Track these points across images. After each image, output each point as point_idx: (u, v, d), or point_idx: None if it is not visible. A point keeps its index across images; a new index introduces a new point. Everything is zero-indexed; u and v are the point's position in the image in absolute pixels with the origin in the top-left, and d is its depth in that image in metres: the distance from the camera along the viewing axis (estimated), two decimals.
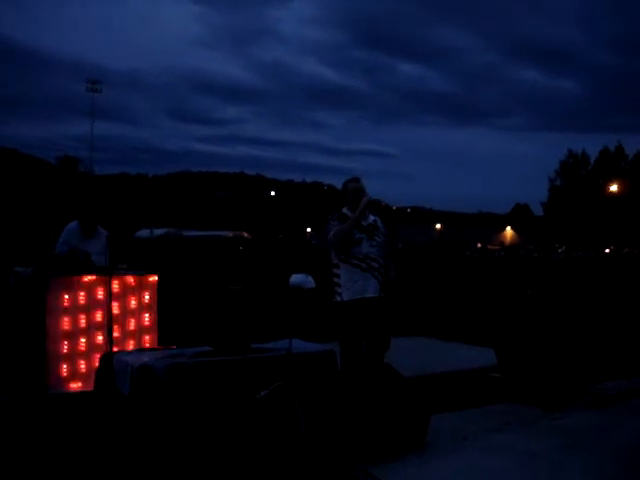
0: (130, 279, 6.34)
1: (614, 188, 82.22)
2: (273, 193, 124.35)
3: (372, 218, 5.76)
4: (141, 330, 6.35)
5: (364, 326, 5.46)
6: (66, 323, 6.03)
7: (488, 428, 5.28)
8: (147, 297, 6.40)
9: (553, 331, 6.15)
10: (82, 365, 6.05)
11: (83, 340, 6.08)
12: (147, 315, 6.38)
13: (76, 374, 6.03)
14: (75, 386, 5.99)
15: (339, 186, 6.04)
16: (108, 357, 4.29)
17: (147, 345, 6.26)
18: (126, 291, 6.31)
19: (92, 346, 6.07)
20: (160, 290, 6.42)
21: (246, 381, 4.15)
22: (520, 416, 5.63)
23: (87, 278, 6.13)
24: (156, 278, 6.45)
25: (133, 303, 6.35)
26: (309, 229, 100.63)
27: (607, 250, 74.97)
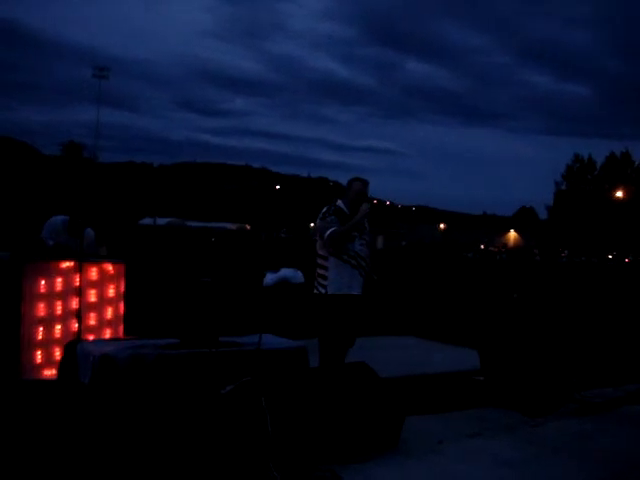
0: (109, 267, 6.22)
1: (619, 194, 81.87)
2: (278, 187, 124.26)
3: None
4: (118, 319, 6.25)
5: (342, 321, 5.42)
6: (42, 309, 5.93)
7: (466, 432, 5.15)
8: (120, 287, 6.30)
9: (538, 335, 6.02)
10: (57, 352, 5.95)
11: (58, 327, 5.97)
12: (122, 304, 6.27)
13: (50, 361, 5.93)
14: (49, 373, 5.88)
15: (345, 183, 5.99)
16: (72, 345, 4.18)
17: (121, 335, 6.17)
18: (104, 279, 6.21)
19: (67, 333, 5.96)
20: (132, 279, 6.31)
21: (212, 375, 4.03)
22: (500, 421, 5.51)
23: (64, 265, 6.01)
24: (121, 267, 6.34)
25: (111, 292, 6.24)
26: (312, 224, 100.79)
27: (610, 256, 74.73)
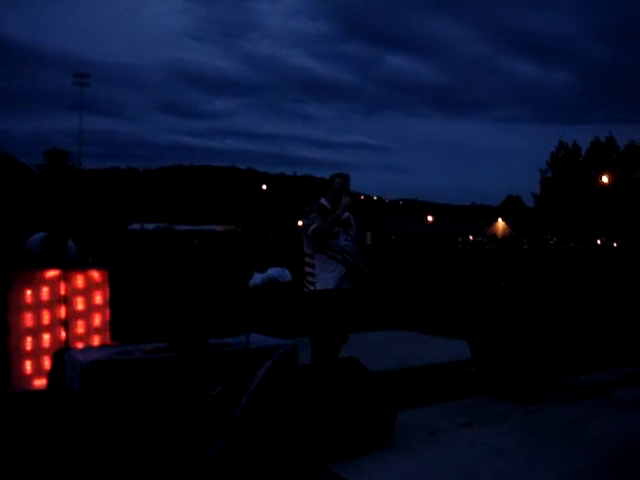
0: (94, 274, 6.20)
1: (605, 179, 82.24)
2: (265, 187, 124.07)
3: (346, 214, 5.79)
4: (105, 326, 6.23)
5: (333, 316, 5.44)
6: (29, 319, 5.91)
7: (458, 423, 5.15)
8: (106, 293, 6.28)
9: (527, 323, 6.03)
10: (46, 362, 5.92)
11: (47, 336, 5.95)
12: (108, 311, 6.26)
13: (40, 371, 5.89)
14: (39, 383, 5.85)
15: None
16: (60, 354, 4.16)
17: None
18: (90, 287, 6.18)
19: (56, 342, 5.93)
20: (116, 285, 6.29)
21: (201, 377, 4.02)
22: (492, 410, 5.51)
23: (50, 273, 5.98)
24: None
25: (98, 299, 6.22)
26: (301, 223, 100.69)
27: (598, 241, 75.01)
